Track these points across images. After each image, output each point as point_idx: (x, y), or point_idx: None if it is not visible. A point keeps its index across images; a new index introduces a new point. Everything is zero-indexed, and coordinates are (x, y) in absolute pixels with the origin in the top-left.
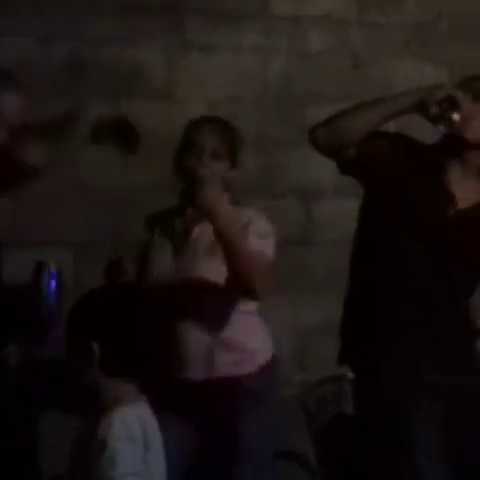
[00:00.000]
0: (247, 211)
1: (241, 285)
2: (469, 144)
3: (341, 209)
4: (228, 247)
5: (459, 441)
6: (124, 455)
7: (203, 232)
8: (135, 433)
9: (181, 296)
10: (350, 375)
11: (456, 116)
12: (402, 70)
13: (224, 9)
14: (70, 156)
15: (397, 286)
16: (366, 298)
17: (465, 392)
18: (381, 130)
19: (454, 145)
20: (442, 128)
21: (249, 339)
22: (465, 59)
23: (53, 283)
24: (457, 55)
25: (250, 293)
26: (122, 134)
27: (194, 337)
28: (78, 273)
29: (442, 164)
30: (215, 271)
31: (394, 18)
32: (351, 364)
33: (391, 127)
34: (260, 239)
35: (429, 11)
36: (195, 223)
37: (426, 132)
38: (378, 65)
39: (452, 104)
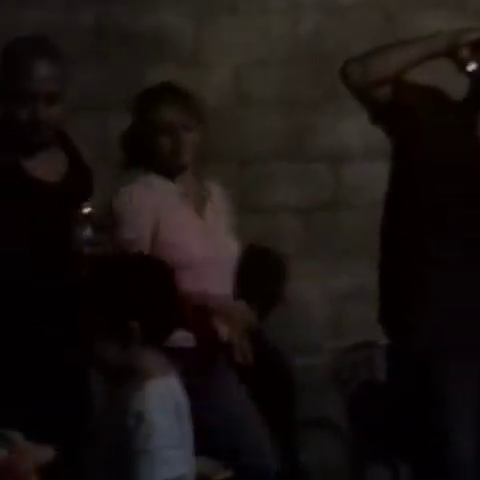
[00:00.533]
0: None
1: None
2: None
3: (371, 172)
4: None
5: None
6: (161, 428)
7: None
8: (170, 406)
9: None
10: (382, 341)
11: None
12: (435, 24)
13: None
14: None
15: (434, 240)
16: (404, 253)
17: None
18: (417, 81)
19: None
20: (472, 66)
21: None
22: None
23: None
24: None
25: None
26: None
27: None
28: None
29: (473, 118)
30: None
31: None
32: (387, 325)
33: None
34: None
35: None
36: None
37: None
38: (411, 18)
39: None
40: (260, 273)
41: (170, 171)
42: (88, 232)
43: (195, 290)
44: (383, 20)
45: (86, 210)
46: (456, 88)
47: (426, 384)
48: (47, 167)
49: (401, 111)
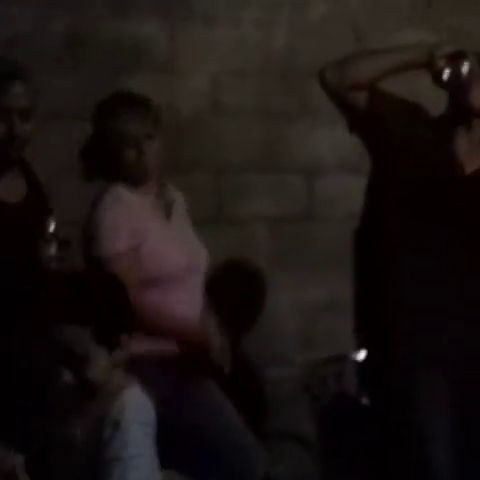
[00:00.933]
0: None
1: None
2: (474, 111)
3: (344, 185)
4: None
5: (468, 424)
6: (136, 437)
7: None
8: (145, 416)
9: None
10: (352, 355)
11: (465, 68)
12: (404, 39)
13: None
14: None
15: (408, 254)
16: (377, 269)
17: None
18: (393, 92)
19: (460, 114)
20: (446, 75)
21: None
22: (468, 28)
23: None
24: (461, 25)
25: None
26: None
27: None
28: None
29: (449, 133)
30: None
31: None
32: (364, 335)
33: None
34: None
35: None
36: None
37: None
38: (380, 35)
39: (460, 59)
40: (237, 286)
41: (136, 180)
42: (54, 249)
43: (173, 301)
44: (354, 36)
45: (51, 227)
46: (434, 102)
47: (400, 396)
48: (9, 187)
49: (375, 120)
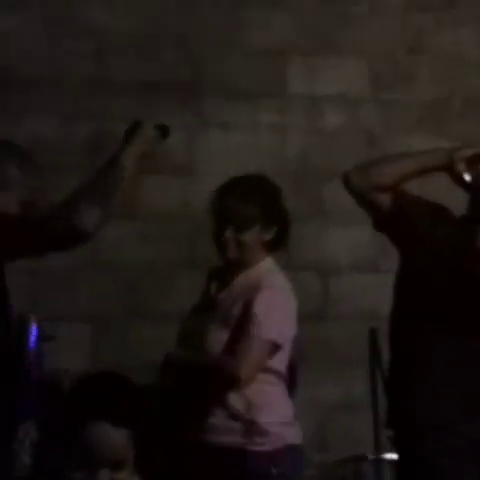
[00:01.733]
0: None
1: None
2: None
3: (358, 284)
4: None
5: None
6: None
7: (222, 302)
8: None
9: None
10: (370, 456)
11: None
12: (416, 147)
13: (242, 88)
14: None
15: (441, 345)
16: (407, 366)
17: None
18: (416, 193)
19: None
20: (467, 177)
21: (259, 412)
22: (477, 133)
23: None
24: (471, 132)
25: (234, 382)
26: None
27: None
28: (95, 347)
29: (472, 232)
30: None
31: (408, 96)
32: (394, 429)
33: None
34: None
35: (442, 88)
36: (218, 292)
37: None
38: (393, 142)
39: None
40: None
41: None
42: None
43: None
44: (366, 142)
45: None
46: (456, 203)
47: None
48: None
49: (400, 219)
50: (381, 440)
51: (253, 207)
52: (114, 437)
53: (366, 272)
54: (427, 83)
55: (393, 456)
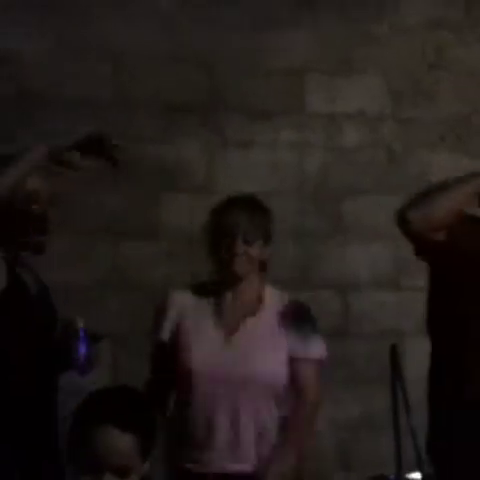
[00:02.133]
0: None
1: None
2: None
3: (378, 301)
4: None
5: None
6: None
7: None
8: None
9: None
10: (392, 476)
11: None
12: (437, 164)
13: (261, 106)
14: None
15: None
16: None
17: None
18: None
19: None
20: None
21: None
22: None
23: (82, 347)
24: None
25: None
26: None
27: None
28: (116, 364)
29: None
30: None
31: (428, 113)
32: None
33: None
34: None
35: (463, 105)
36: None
37: None
38: (413, 159)
39: None
40: None
41: None
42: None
43: None
44: (386, 160)
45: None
46: None
47: None
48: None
49: (451, 248)
50: (403, 459)
51: (260, 221)
52: (121, 442)
53: (386, 289)
54: (448, 100)
55: (416, 476)
